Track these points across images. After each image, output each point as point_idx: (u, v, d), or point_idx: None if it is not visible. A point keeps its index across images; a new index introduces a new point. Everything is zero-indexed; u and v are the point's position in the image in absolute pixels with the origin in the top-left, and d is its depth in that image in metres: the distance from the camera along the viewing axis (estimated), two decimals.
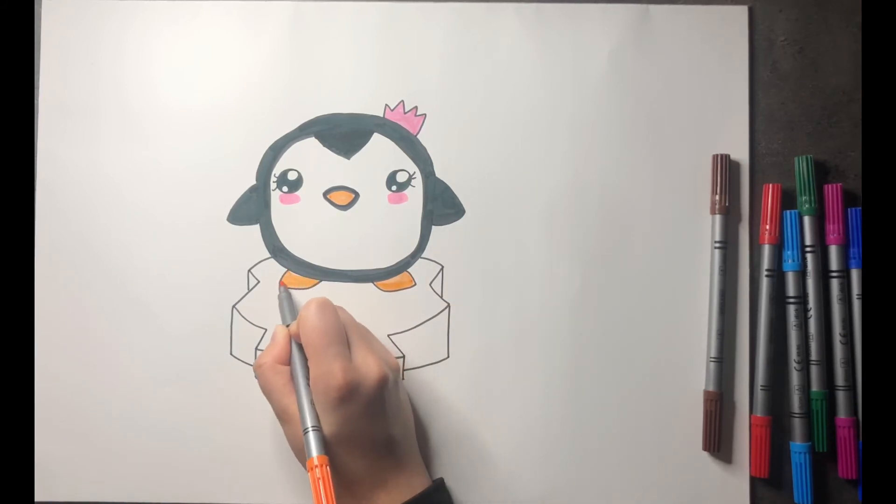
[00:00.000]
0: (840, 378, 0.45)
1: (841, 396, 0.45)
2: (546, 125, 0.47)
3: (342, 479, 0.39)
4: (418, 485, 0.41)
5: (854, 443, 0.44)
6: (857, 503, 0.45)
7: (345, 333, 0.41)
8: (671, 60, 0.47)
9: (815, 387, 0.45)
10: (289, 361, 0.42)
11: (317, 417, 0.39)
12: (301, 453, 0.39)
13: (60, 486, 0.46)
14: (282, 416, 0.40)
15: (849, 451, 0.44)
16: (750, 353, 0.46)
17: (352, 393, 0.38)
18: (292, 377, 0.41)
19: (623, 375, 0.46)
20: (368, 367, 0.39)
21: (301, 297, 0.46)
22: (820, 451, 0.45)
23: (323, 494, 0.36)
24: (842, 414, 0.45)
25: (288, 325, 0.43)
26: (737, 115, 0.47)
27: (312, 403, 0.39)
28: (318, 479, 0.36)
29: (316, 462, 0.37)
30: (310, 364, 0.40)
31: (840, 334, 0.45)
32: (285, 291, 0.46)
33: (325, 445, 0.38)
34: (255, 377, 0.42)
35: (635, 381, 0.46)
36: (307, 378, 0.40)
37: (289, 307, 0.45)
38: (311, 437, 0.38)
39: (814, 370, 0.45)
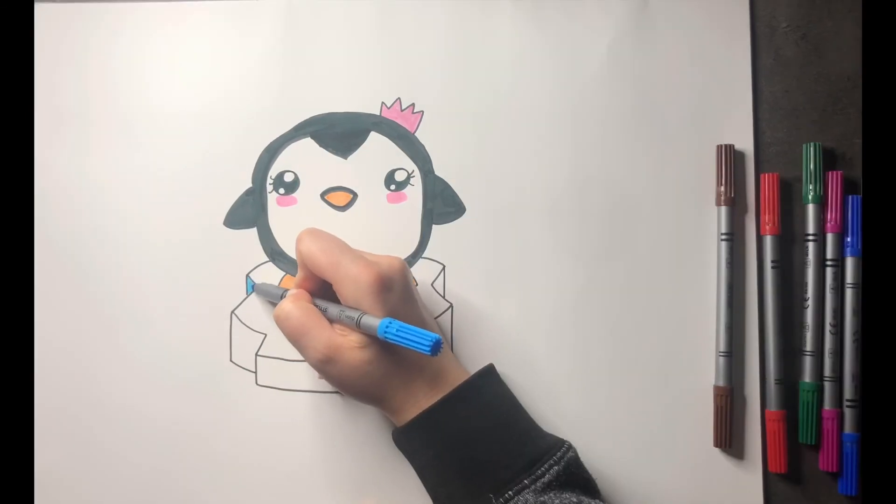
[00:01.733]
0: (828, 369, 0.44)
1: (828, 387, 0.44)
2: (546, 119, 0.46)
3: (399, 374, 0.39)
4: (461, 368, 0.42)
5: (837, 435, 0.44)
6: (835, 496, 0.45)
7: (345, 243, 0.41)
8: (672, 50, 0.47)
9: (807, 378, 0.44)
10: (311, 302, 0.41)
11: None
12: (361, 381, 0.39)
13: (60, 495, 0.45)
14: (328, 351, 0.38)
15: (831, 443, 0.44)
16: (760, 346, 0.45)
17: (385, 283, 0.38)
18: (323, 311, 0.40)
19: (631, 372, 0.45)
20: (384, 259, 0.40)
21: None
22: (806, 443, 0.44)
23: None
24: (827, 405, 0.44)
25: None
26: (740, 104, 0.46)
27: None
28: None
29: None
30: (333, 281, 0.39)
31: (830, 324, 0.44)
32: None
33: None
34: (281, 326, 0.40)
35: (643, 378, 0.45)
36: (337, 303, 0.40)
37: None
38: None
39: (807, 361, 0.44)
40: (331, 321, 0.40)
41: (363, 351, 0.38)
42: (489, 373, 0.42)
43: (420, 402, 0.39)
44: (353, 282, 0.38)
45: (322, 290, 0.41)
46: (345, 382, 0.39)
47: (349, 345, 0.38)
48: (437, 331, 0.43)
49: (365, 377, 0.39)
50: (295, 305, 0.40)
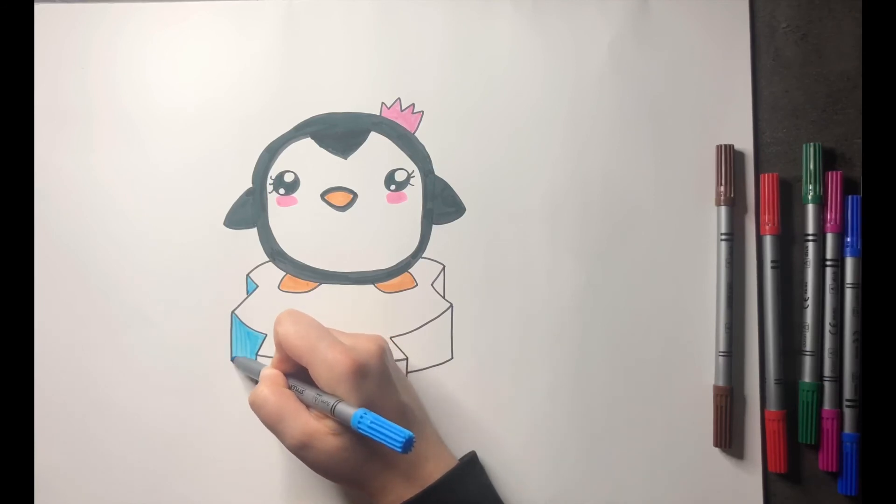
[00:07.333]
0: (828, 369, 0.44)
1: (827, 387, 0.44)
2: (546, 119, 0.46)
3: (376, 460, 0.39)
4: (444, 453, 0.42)
5: (837, 435, 0.44)
6: (835, 496, 0.45)
7: (324, 327, 0.41)
8: (672, 50, 0.47)
9: (807, 378, 0.44)
10: (286, 386, 0.41)
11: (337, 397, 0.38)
12: (338, 467, 0.39)
13: (60, 495, 0.45)
14: (304, 437, 0.38)
15: (831, 443, 0.44)
16: (759, 346, 0.45)
17: (362, 370, 0.38)
18: (297, 394, 0.40)
19: (631, 372, 0.45)
20: (363, 343, 0.40)
21: (299, 301, 0.46)
22: (806, 443, 0.44)
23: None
24: (827, 405, 0.44)
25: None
26: (740, 104, 0.46)
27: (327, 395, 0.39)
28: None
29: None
30: (309, 366, 0.39)
31: (830, 324, 0.44)
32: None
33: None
34: (257, 412, 0.40)
35: (643, 378, 0.45)
36: (313, 385, 0.39)
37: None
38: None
39: (807, 361, 0.44)
40: (305, 405, 0.40)
41: (339, 438, 0.38)
42: (470, 464, 0.42)
43: (398, 489, 0.39)
44: (329, 369, 0.38)
45: (299, 368, 0.41)
46: (321, 468, 0.39)
47: (325, 430, 0.38)
48: (419, 410, 0.43)
49: (342, 463, 0.38)
50: (271, 391, 0.40)
